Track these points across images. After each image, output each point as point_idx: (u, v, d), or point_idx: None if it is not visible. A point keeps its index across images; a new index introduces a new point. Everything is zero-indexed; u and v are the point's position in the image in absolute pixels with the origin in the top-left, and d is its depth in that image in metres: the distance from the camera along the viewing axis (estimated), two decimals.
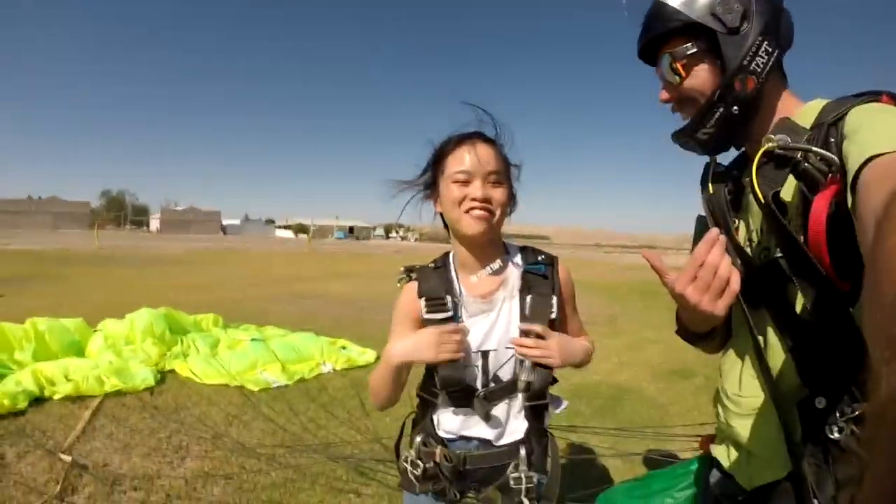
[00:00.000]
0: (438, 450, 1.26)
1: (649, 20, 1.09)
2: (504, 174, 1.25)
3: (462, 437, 1.28)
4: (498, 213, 1.22)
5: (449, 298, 1.25)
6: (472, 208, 1.19)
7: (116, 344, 4.78)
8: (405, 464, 1.31)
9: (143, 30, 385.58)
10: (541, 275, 1.28)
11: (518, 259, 1.32)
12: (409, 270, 1.34)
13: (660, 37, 1.07)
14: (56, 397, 3.71)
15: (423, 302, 1.25)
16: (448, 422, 1.29)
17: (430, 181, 1.31)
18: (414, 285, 1.30)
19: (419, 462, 1.27)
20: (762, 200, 0.94)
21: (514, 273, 1.30)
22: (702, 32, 1.01)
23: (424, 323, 1.24)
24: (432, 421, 1.31)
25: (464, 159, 1.21)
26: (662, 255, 0.99)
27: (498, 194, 1.22)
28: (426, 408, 1.33)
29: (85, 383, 3.84)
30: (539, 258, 1.32)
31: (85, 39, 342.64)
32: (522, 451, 1.27)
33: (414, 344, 1.20)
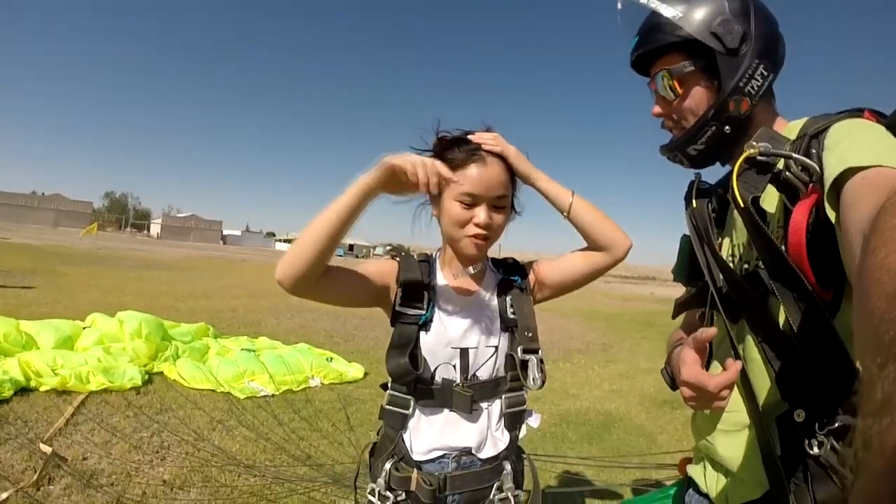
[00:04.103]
0: (414, 474, 1.13)
1: (645, 31, 1.07)
2: (509, 196, 1.19)
3: (440, 458, 1.16)
4: (496, 236, 1.19)
5: (426, 295, 1.17)
6: (474, 234, 1.14)
7: (106, 341, 4.76)
8: (371, 497, 1.17)
9: (158, 33, 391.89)
10: (517, 285, 1.26)
11: (496, 267, 1.31)
12: (396, 250, 1.29)
13: (656, 50, 1.06)
14: (42, 389, 3.71)
15: (399, 291, 1.17)
16: (423, 439, 1.17)
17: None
18: (395, 266, 1.21)
19: (388, 494, 1.15)
20: (741, 204, 0.90)
21: (493, 277, 1.28)
22: (699, 50, 0.99)
23: (396, 315, 1.16)
24: (404, 441, 1.18)
25: (472, 180, 1.12)
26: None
27: (499, 219, 1.17)
28: (396, 425, 1.19)
29: (71, 379, 3.83)
30: (515, 269, 1.30)
31: (101, 42, 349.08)
32: (508, 466, 1.20)
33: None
